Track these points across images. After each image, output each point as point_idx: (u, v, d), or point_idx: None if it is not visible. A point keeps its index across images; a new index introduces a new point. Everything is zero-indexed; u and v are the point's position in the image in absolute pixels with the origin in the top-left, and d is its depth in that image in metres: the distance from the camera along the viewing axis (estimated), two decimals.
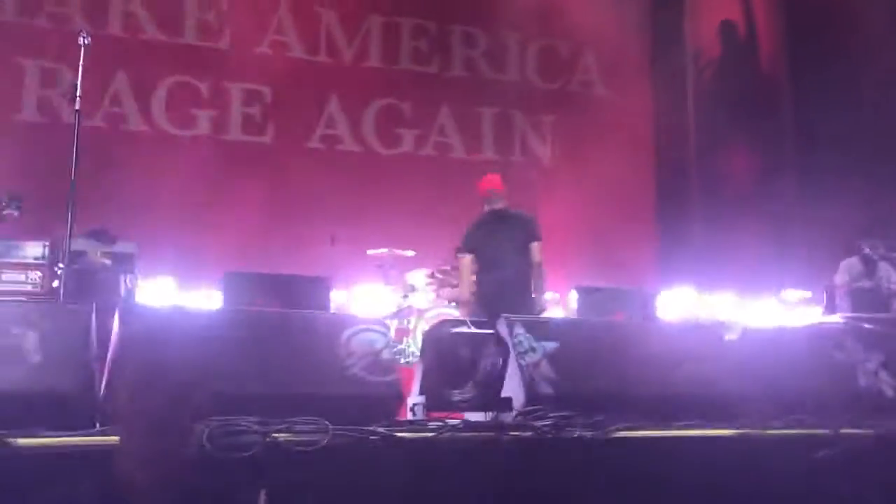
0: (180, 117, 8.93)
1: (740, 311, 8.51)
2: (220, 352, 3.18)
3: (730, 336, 4.29)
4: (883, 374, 4.01)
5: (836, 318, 7.76)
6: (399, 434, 3.03)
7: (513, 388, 3.59)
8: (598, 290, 7.62)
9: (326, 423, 2.94)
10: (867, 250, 8.15)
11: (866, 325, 5.78)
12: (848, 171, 9.31)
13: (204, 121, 9.04)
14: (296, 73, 9.31)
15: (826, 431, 3.47)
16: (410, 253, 7.33)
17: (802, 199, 10.69)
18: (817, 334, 4.50)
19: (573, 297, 7.68)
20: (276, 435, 2.89)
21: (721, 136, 10.89)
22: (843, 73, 9.75)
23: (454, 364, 3.54)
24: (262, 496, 2.13)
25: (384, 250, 7.18)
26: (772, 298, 8.89)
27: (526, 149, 10.34)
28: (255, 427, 2.89)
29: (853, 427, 3.54)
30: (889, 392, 3.95)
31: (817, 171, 10.21)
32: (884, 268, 8.17)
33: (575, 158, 9.74)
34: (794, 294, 8.86)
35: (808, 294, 8.59)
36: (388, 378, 3.32)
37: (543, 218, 8.74)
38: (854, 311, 7.70)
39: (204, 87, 9.04)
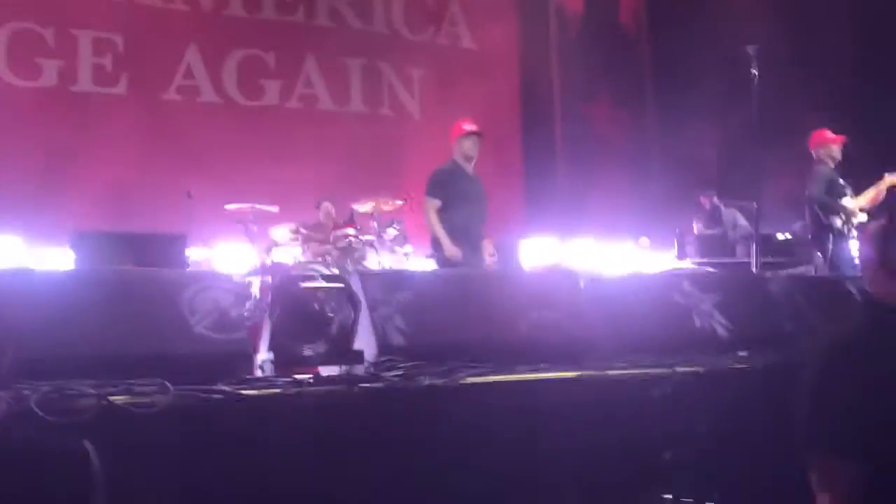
0: (23, 67, 8.36)
1: (599, 257, 8.83)
2: (53, 314, 3.04)
3: (581, 283, 4.45)
4: (717, 315, 4.27)
5: (686, 264, 8.20)
6: (244, 392, 3.00)
7: (365, 340, 3.61)
8: None
9: (167, 383, 2.88)
10: (706, 201, 8.62)
11: (706, 269, 6.12)
12: (703, 123, 9.75)
13: (50, 71, 8.50)
14: (150, 21, 8.86)
15: (662, 370, 3.68)
16: (273, 208, 7.18)
17: (662, 149, 11.15)
18: (658, 280, 4.73)
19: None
20: (114, 398, 2.80)
21: (585, 89, 11.16)
22: (698, 28, 10.14)
23: (305, 319, 3.51)
24: (90, 450, 2.07)
25: (246, 205, 7.00)
26: (629, 244, 9.26)
27: (394, 101, 10.27)
28: (90, 390, 2.79)
29: (686, 365, 3.76)
30: (721, 332, 4.21)
31: (675, 123, 10.65)
32: (728, 214, 8.66)
33: (444, 110, 9.73)
34: (647, 241, 9.24)
35: (668, 239, 8.99)
36: (235, 336, 3.27)
37: (413, 171, 8.78)
38: (701, 256, 8.16)
39: (49, 35, 8.47)
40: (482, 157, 9.91)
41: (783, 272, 7.09)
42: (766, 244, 8.14)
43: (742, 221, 8.40)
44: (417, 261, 6.99)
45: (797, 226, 8.52)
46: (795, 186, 9.05)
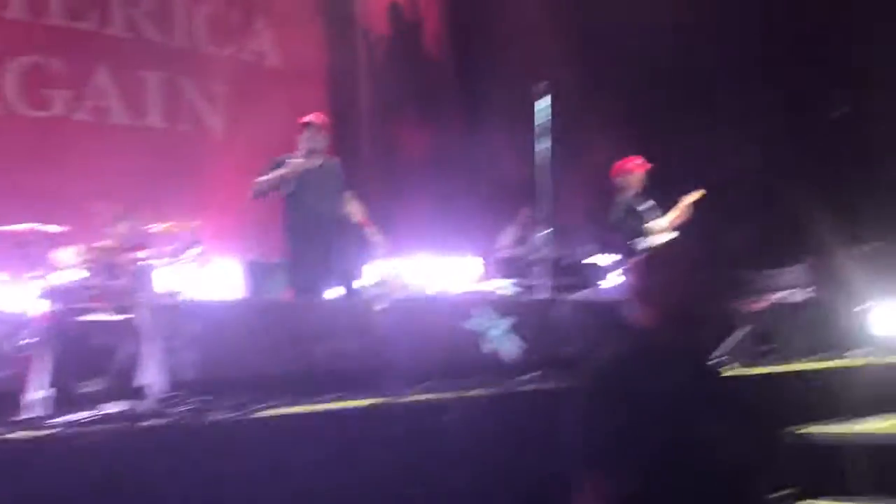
0: None
1: (407, 279, 8.96)
2: None
3: (378, 307, 4.51)
4: (506, 340, 4.47)
5: (494, 284, 8.50)
6: (11, 435, 2.78)
7: (153, 375, 3.46)
8: (267, 264, 7.60)
9: None
10: (524, 217, 8.99)
11: (501, 293, 6.38)
12: (505, 147, 10.18)
13: None
14: None
15: (452, 395, 3.79)
16: (57, 229, 6.66)
17: (467, 172, 11.50)
18: (455, 303, 4.88)
19: (241, 271, 7.58)
20: None
21: (392, 110, 11.33)
22: (499, 57, 10.60)
23: (85, 353, 3.31)
24: None
25: (25, 226, 6.43)
26: (435, 265, 9.47)
27: (195, 117, 9.92)
28: None
29: (479, 388, 3.90)
30: (509, 355, 4.41)
31: (479, 146, 11.05)
32: (535, 236, 9.04)
33: (248, 130, 9.55)
34: (457, 260, 9.47)
35: (474, 260, 9.24)
36: (1, 373, 3.03)
37: (214, 190, 8.51)
38: (503, 277, 8.48)
39: None
40: None
41: (575, 296, 7.52)
42: (561, 267, 8.60)
43: (543, 244, 8.78)
44: (218, 285, 6.76)
45: (588, 249, 9.07)
46: (588, 211, 9.66)
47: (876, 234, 7.80)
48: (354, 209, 6.31)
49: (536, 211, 9.03)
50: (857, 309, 5.86)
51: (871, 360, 5.07)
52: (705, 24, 8.53)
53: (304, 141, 6.26)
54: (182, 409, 3.20)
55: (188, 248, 6.84)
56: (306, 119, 6.41)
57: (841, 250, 7.51)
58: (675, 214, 7.12)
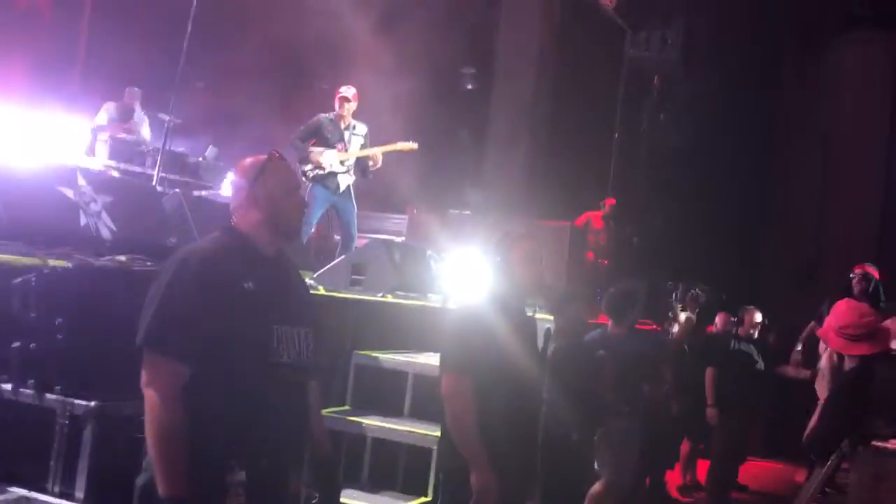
0: None
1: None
2: None
3: None
4: (105, 217, 4.23)
5: (95, 161, 7.89)
6: None
7: None
8: None
9: None
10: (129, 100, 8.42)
11: (108, 172, 5.97)
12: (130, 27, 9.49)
13: None
14: None
15: (33, 260, 3.51)
16: None
17: (88, 51, 10.56)
18: (53, 172, 4.49)
19: None
20: None
21: None
22: None
23: None
24: None
25: None
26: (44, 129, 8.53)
27: None
28: None
29: (59, 259, 3.64)
30: (106, 233, 4.19)
31: (107, 20, 10.18)
32: (142, 123, 8.55)
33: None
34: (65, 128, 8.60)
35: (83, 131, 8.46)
36: None
37: None
38: (111, 158, 7.93)
39: None
40: None
41: (187, 190, 7.32)
42: (176, 162, 8.28)
43: (160, 136, 8.34)
44: None
45: (210, 152, 8.86)
46: (210, 109, 9.41)
47: (473, 201, 8.79)
48: None
49: (156, 100, 8.47)
50: (436, 260, 6.51)
51: (442, 304, 5.70)
52: None
53: None
54: None
55: None
56: None
57: (435, 209, 8.30)
58: (370, 153, 6.76)
